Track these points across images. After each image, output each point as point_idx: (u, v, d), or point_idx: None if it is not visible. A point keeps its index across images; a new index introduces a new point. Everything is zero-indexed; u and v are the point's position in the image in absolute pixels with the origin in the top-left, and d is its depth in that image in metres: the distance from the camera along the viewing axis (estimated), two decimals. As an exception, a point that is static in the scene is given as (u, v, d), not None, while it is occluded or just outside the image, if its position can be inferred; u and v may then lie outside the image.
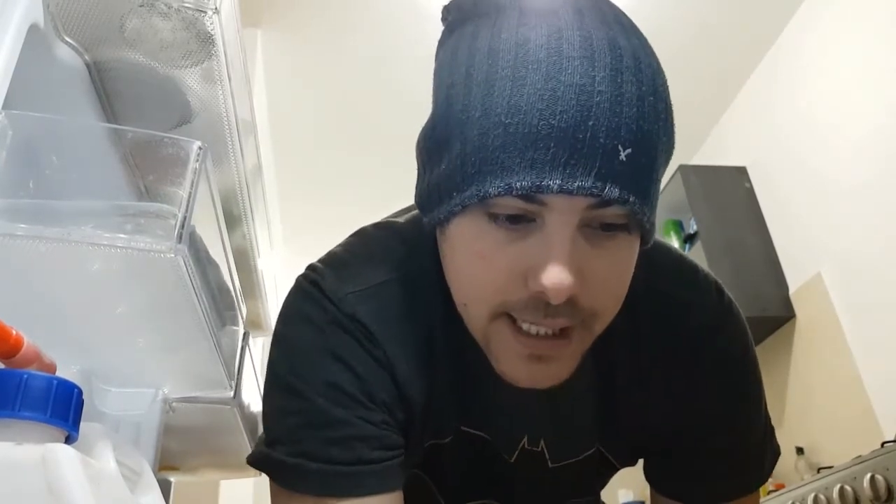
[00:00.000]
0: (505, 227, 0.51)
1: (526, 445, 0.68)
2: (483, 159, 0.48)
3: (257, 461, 0.61)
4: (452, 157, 0.51)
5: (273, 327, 0.64)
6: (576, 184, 0.46)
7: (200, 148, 0.64)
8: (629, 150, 0.47)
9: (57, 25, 0.69)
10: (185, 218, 0.58)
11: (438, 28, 0.59)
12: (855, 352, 2.29)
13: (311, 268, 0.64)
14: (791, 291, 2.63)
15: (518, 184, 0.47)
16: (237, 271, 0.96)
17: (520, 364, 0.55)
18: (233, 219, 1.01)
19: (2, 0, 0.57)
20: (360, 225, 0.69)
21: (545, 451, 0.69)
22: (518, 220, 0.50)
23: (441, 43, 0.58)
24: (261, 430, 0.65)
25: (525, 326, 0.54)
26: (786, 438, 2.49)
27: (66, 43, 0.71)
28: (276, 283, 1.51)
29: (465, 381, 0.64)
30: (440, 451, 0.67)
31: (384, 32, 2.60)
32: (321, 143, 3.17)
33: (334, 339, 0.59)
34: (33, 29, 0.61)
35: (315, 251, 0.68)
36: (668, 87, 0.52)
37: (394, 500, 0.59)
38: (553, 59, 0.47)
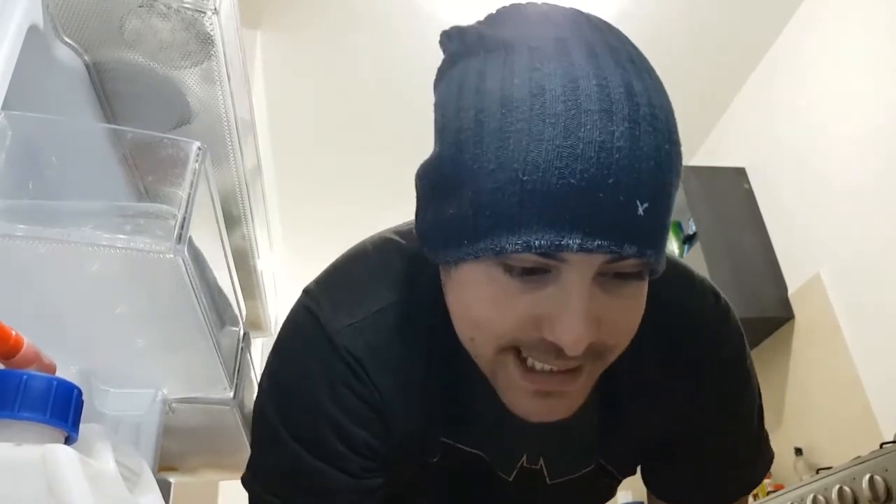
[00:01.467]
0: (519, 278, 0.50)
1: (525, 463, 0.68)
2: (498, 214, 0.47)
3: (243, 480, 0.64)
4: (463, 204, 0.49)
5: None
6: (595, 242, 0.45)
7: (200, 148, 0.64)
8: (647, 205, 0.46)
9: (56, 26, 0.69)
10: (184, 218, 0.58)
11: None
12: (854, 352, 2.29)
13: (308, 292, 0.63)
14: (790, 292, 2.63)
15: (537, 242, 0.46)
16: (237, 271, 0.96)
17: (526, 400, 0.55)
18: (232, 219, 1.01)
19: (2, 0, 0.57)
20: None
21: (544, 468, 0.68)
22: (533, 272, 0.49)
23: (442, 72, 0.56)
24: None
25: (530, 362, 0.53)
26: (785, 439, 2.49)
27: (66, 43, 0.71)
28: (276, 283, 1.51)
29: (462, 400, 0.64)
30: (431, 468, 0.67)
31: (384, 32, 2.59)
32: (321, 143, 3.17)
33: (322, 385, 0.59)
34: (33, 29, 0.61)
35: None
36: (676, 123, 0.51)
37: None
38: (571, 112, 0.45)
